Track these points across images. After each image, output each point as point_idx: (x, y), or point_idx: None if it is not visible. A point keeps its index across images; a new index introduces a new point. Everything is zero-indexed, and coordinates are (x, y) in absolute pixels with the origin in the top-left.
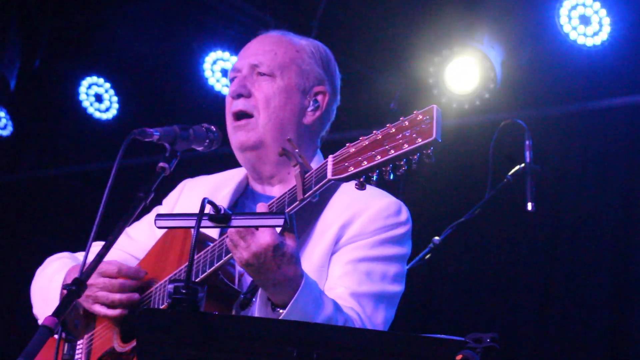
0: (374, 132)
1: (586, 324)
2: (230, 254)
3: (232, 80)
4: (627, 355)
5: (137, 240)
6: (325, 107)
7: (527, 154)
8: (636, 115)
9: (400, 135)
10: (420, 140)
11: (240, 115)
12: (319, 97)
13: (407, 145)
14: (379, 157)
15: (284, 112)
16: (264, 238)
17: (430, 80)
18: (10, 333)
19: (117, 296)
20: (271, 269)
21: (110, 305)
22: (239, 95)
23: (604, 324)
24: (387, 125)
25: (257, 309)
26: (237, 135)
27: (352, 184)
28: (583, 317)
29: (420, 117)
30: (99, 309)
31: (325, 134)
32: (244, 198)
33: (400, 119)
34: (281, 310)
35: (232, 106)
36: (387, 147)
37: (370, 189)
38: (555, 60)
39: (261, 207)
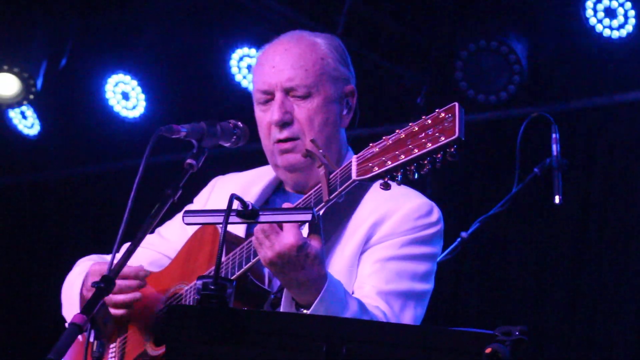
0: (397, 131)
1: (615, 317)
2: (258, 257)
3: (263, 102)
4: None
5: (169, 239)
6: (355, 104)
7: (555, 147)
8: None
9: (423, 134)
10: (443, 138)
11: (286, 140)
12: (349, 99)
13: (430, 144)
14: (402, 156)
15: (327, 127)
16: (288, 238)
17: (457, 74)
18: (38, 333)
19: (118, 298)
20: (294, 269)
21: (114, 306)
22: (283, 124)
23: (633, 317)
24: (410, 124)
25: (282, 309)
26: (287, 158)
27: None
28: (612, 310)
29: (443, 115)
30: None
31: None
32: (275, 196)
33: (423, 117)
34: (305, 311)
35: (277, 134)
36: (410, 146)
37: (402, 188)
38: (581, 53)
39: (286, 207)
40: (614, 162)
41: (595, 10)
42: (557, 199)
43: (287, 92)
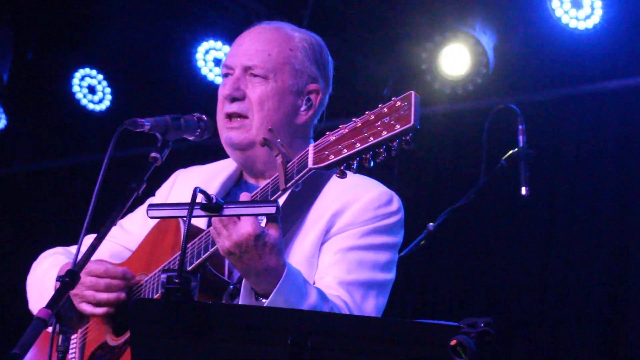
0: (354, 119)
1: (582, 308)
2: (217, 246)
3: (224, 75)
4: (624, 339)
5: (131, 232)
6: (318, 105)
7: (521, 138)
8: (628, 97)
9: (379, 123)
10: (398, 126)
11: (234, 116)
12: (312, 96)
13: (385, 132)
14: (358, 144)
15: (277, 114)
16: (245, 227)
17: (423, 66)
18: (7, 326)
19: (103, 295)
20: (252, 258)
21: (97, 304)
22: (233, 99)
23: (601, 308)
24: (366, 112)
25: (241, 299)
26: (230, 135)
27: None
28: (579, 301)
29: (399, 103)
30: (85, 307)
31: (317, 122)
32: (236, 188)
33: (379, 106)
34: (264, 300)
35: (225, 107)
36: (366, 134)
37: (362, 178)
38: (548, 44)
39: (244, 197)
40: (580, 152)
41: (561, 2)
42: (523, 190)
43: (246, 70)
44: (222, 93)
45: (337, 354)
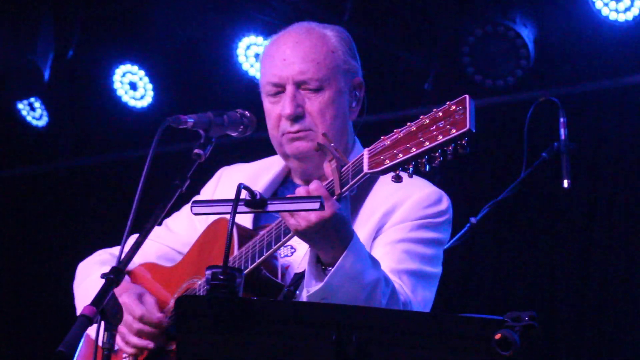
0: (408, 124)
1: (625, 301)
2: (271, 250)
3: (273, 94)
4: None
5: (177, 232)
6: (363, 96)
7: (562, 131)
8: None
9: (434, 127)
10: (454, 131)
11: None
12: (358, 91)
13: (441, 137)
14: (414, 149)
15: (338, 119)
16: (327, 210)
17: (464, 59)
18: (48, 324)
19: (133, 339)
20: (328, 234)
21: (126, 343)
22: (296, 118)
23: None
24: (421, 116)
25: (307, 269)
26: (297, 145)
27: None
28: (622, 294)
29: (454, 107)
30: (118, 340)
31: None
32: (283, 188)
33: (434, 110)
34: (330, 268)
35: (289, 127)
36: (421, 138)
37: (412, 178)
38: (588, 36)
39: (300, 192)
40: (621, 144)
41: None
42: (565, 183)
43: (299, 85)
44: (278, 112)
45: (382, 349)
